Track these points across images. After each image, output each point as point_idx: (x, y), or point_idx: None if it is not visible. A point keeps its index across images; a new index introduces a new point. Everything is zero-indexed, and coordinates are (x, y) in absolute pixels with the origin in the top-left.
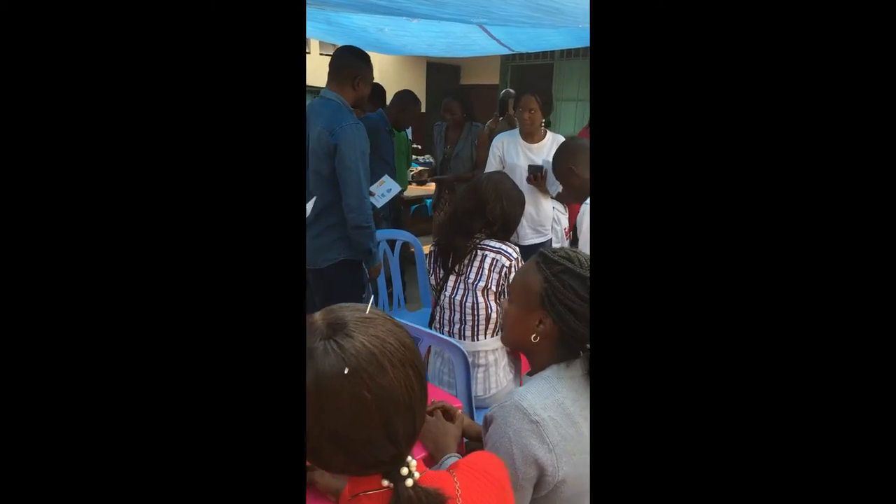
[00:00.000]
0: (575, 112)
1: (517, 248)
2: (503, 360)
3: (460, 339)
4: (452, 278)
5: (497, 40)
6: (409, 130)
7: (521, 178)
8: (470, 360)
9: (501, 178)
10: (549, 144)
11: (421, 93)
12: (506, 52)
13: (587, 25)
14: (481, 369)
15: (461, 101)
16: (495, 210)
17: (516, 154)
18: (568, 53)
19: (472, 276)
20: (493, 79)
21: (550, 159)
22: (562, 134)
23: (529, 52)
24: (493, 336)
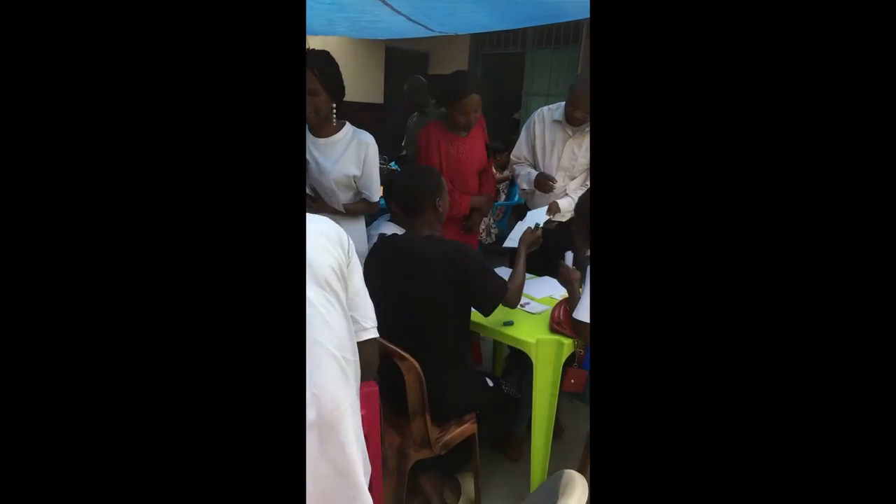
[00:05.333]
0: None
1: None
2: None
3: None
4: None
5: (405, 16)
6: None
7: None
8: None
9: None
10: (347, 141)
11: (379, 82)
12: (425, 32)
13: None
14: None
15: None
16: None
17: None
18: (540, 42)
19: None
20: (462, 68)
21: (344, 159)
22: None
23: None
24: None
